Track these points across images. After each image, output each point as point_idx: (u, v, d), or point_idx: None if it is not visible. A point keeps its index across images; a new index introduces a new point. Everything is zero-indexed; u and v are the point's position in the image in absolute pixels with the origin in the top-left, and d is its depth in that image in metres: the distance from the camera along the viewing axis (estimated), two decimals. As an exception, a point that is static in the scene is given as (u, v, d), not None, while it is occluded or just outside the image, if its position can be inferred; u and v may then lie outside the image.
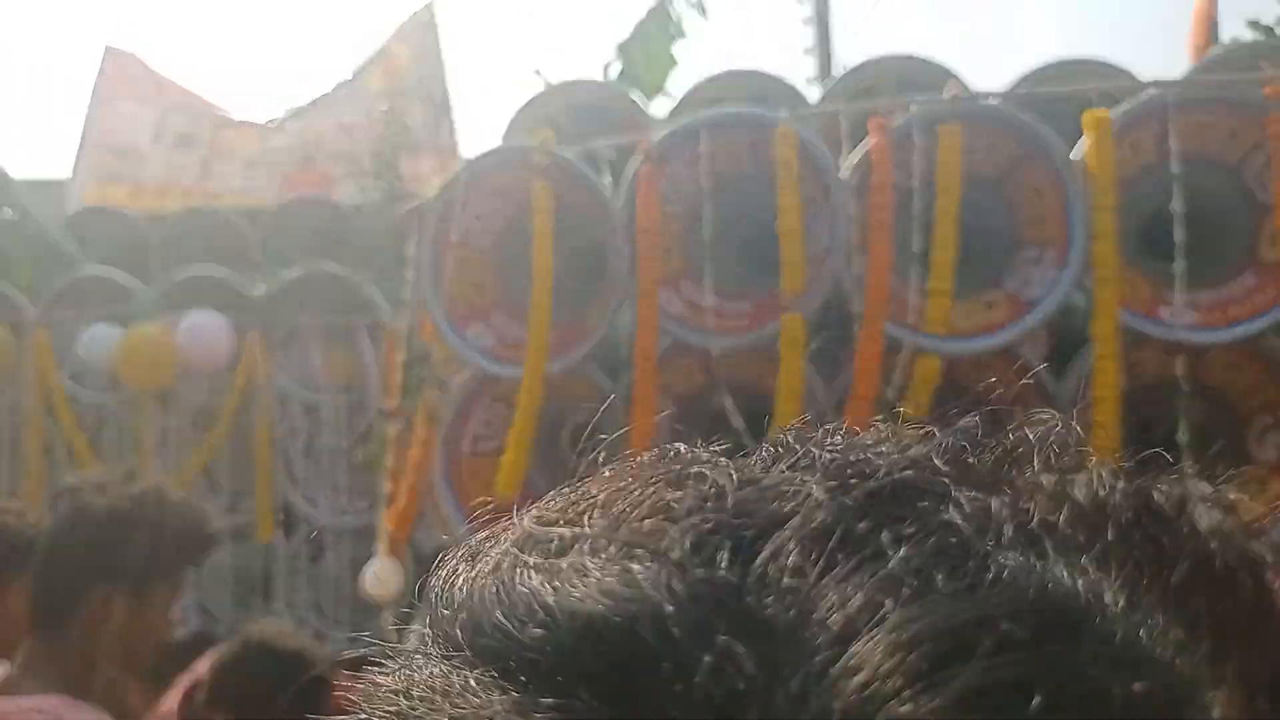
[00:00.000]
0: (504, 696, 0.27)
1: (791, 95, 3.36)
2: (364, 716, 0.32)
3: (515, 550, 0.30)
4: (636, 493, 0.30)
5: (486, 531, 0.34)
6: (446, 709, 0.29)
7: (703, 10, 5.38)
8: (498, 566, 0.30)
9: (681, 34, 5.25)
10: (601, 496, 0.31)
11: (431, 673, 0.30)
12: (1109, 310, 2.53)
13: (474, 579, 0.30)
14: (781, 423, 2.55)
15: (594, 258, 3.00)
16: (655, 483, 0.30)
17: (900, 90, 3.11)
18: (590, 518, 0.30)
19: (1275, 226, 2.53)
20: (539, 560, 0.29)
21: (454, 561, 0.32)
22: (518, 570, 0.29)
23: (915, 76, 3.07)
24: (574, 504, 0.32)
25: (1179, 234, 2.52)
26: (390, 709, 0.31)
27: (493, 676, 0.28)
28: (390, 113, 5.78)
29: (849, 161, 2.71)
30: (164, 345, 4.54)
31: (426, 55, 7.12)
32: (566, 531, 0.30)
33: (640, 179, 2.78)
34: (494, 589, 0.29)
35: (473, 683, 0.28)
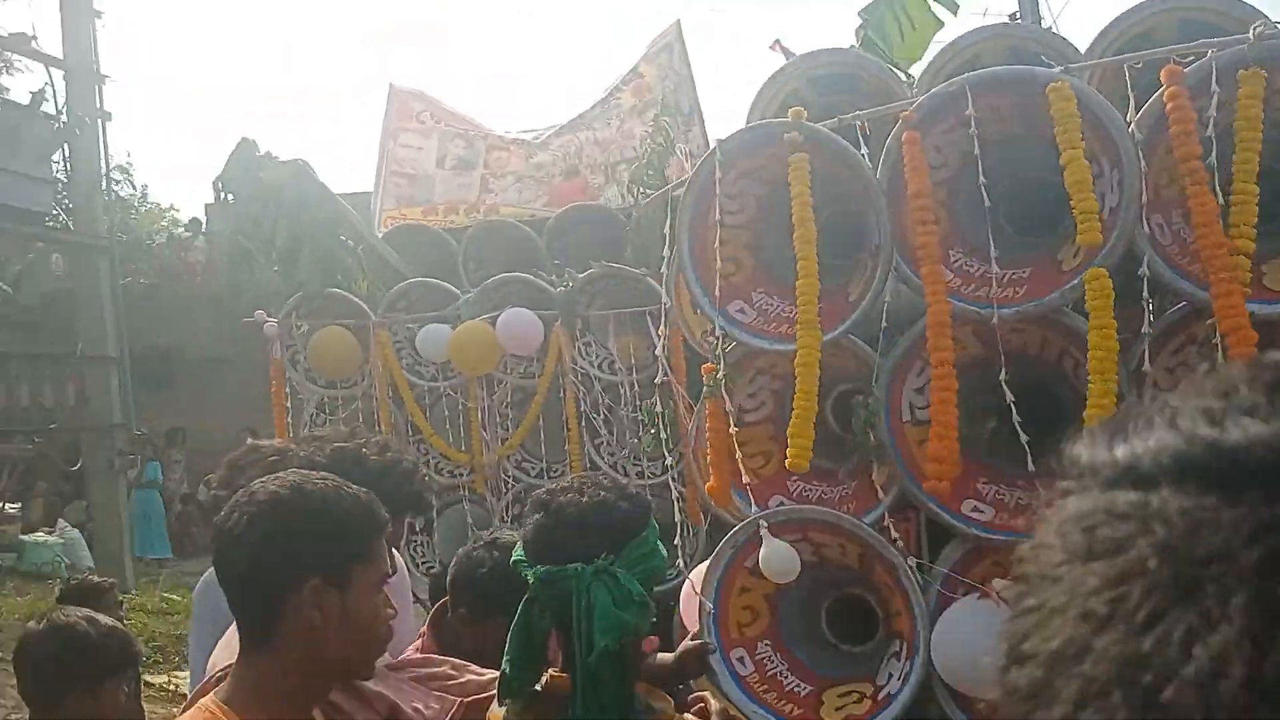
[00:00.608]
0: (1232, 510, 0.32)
1: (1059, 45, 3.15)
2: (1053, 538, 0.37)
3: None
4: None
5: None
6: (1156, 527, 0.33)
7: None
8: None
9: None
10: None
11: (1124, 498, 0.35)
12: None
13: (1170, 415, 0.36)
14: (1101, 388, 2.38)
15: (846, 233, 2.93)
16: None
17: (1177, 32, 2.86)
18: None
19: None
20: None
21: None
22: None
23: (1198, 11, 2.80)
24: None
25: None
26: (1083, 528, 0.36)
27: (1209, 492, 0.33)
28: (656, 123, 6.09)
29: (1134, 117, 2.50)
30: (487, 338, 5.41)
31: (673, 71, 7.34)
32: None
33: (906, 146, 2.69)
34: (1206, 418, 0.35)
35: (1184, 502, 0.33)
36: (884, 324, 2.88)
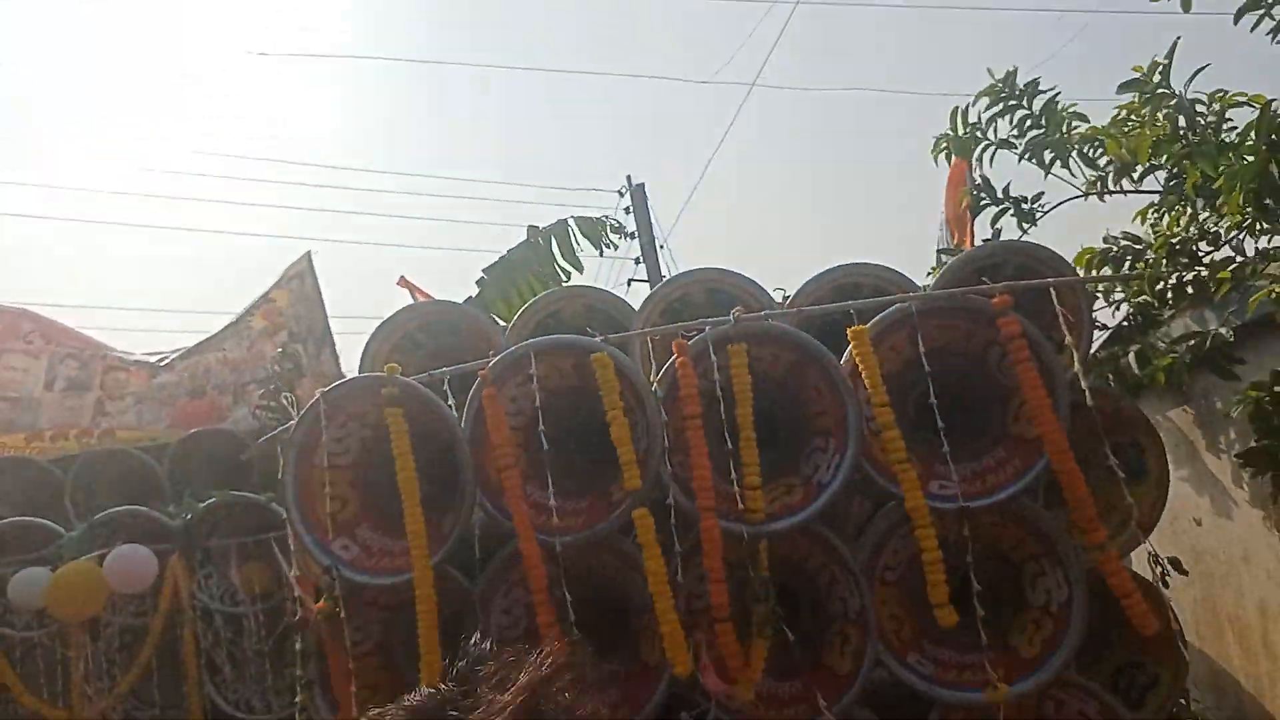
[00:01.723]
0: None
1: (622, 307, 3.82)
2: None
3: None
4: None
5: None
6: None
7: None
8: None
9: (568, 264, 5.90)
10: None
11: None
12: (914, 487, 2.93)
13: None
14: (661, 603, 2.84)
15: (442, 464, 3.30)
16: None
17: (710, 298, 3.61)
18: None
19: (1016, 410, 3.01)
20: None
21: None
22: None
23: (720, 283, 3.58)
24: None
25: (940, 419, 2.99)
26: None
27: None
28: (284, 348, 6.23)
29: (657, 376, 3.14)
30: (93, 579, 5.03)
31: (305, 297, 7.57)
32: None
33: (485, 401, 3.14)
34: None
35: None
36: (478, 554, 3.24)
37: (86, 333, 7.65)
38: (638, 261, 13.86)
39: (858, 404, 2.99)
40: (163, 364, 7.41)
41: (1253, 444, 3.30)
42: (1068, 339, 3.02)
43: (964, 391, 3.11)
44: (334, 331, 7.10)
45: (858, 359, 2.99)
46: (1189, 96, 3.55)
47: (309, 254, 7.40)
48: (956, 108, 4.19)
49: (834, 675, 3.02)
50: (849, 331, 3.03)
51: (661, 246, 13.70)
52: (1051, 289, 3.06)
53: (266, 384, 6.91)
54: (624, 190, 14.59)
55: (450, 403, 3.23)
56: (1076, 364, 3.09)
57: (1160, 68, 3.58)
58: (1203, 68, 3.53)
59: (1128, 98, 3.97)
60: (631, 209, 14.06)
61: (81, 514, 5.88)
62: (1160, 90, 3.56)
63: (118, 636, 5.42)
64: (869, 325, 3.05)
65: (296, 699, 4.76)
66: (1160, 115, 3.58)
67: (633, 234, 12.79)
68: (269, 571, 5.46)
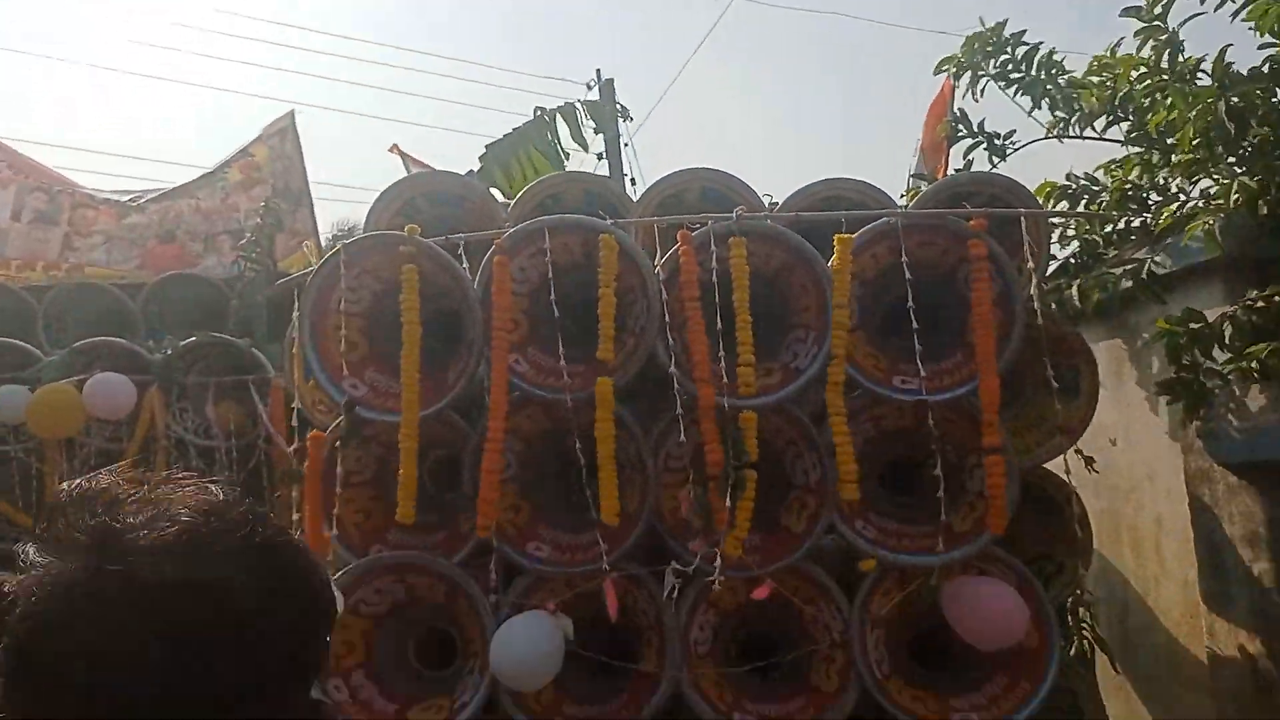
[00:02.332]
0: None
1: (619, 193, 4.09)
2: None
3: None
4: None
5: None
6: None
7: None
8: None
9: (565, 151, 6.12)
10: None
11: None
12: (837, 379, 3.30)
13: None
14: (604, 465, 3.21)
15: (452, 321, 3.58)
16: None
17: (702, 196, 3.90)
18: None
19: (970, 323, 3.38)
20: None
21: None
22: None
23: (715, 183, 3.86)
24: None
25: (911, 322, 3.36)
26: None
27: None
28: (268, 202, 6.35)
29: (661, 260, 3.44)
30: (71, 401, 5.28)
31: (284, 154, 7.64)
32: None
33: (496, 266, 3.41)
34: None
35: None
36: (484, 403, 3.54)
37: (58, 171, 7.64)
38: (600, 157, 13.95)
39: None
40: (133, 204, 7.46)
41: (1171, 375, 3.74)
42: (1028, 264, 3.39)
43: (932, 303, 3.47)
44: (314, 197, 7.23)
45: (836, 263, 3.32)
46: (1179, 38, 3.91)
47: (291, 112, 7.46)
48: (971, 34, 4.52)
49: (789, 534, 3.42)
50: (835, 238, 3.36)
51: (626, 144, 13.78)
52: (1021, 219, 3.42)
53: (240, 235, 7.03)
54: (592, 84, 14.55)
55: (464, 265, 3.49)
56: (1034, 288, 3.47)
57: (1162, 1, 3.90)
58: (1194, 15, 3.84)
59: (1104, 51, 4.32)
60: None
61: (55, 343, 6.02)
62: (1155, 23, 3.90)
63: (93, 458, 5.69)
64: (855, 235, 3.38)
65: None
66: (1149, 47, 3.92)
67: (630, 117, 12.79)
68: (243, 411, 5.73)
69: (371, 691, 3.48)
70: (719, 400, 3.27)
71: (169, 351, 5.78)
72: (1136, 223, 4.53)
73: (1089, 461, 3.90)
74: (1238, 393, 3.72)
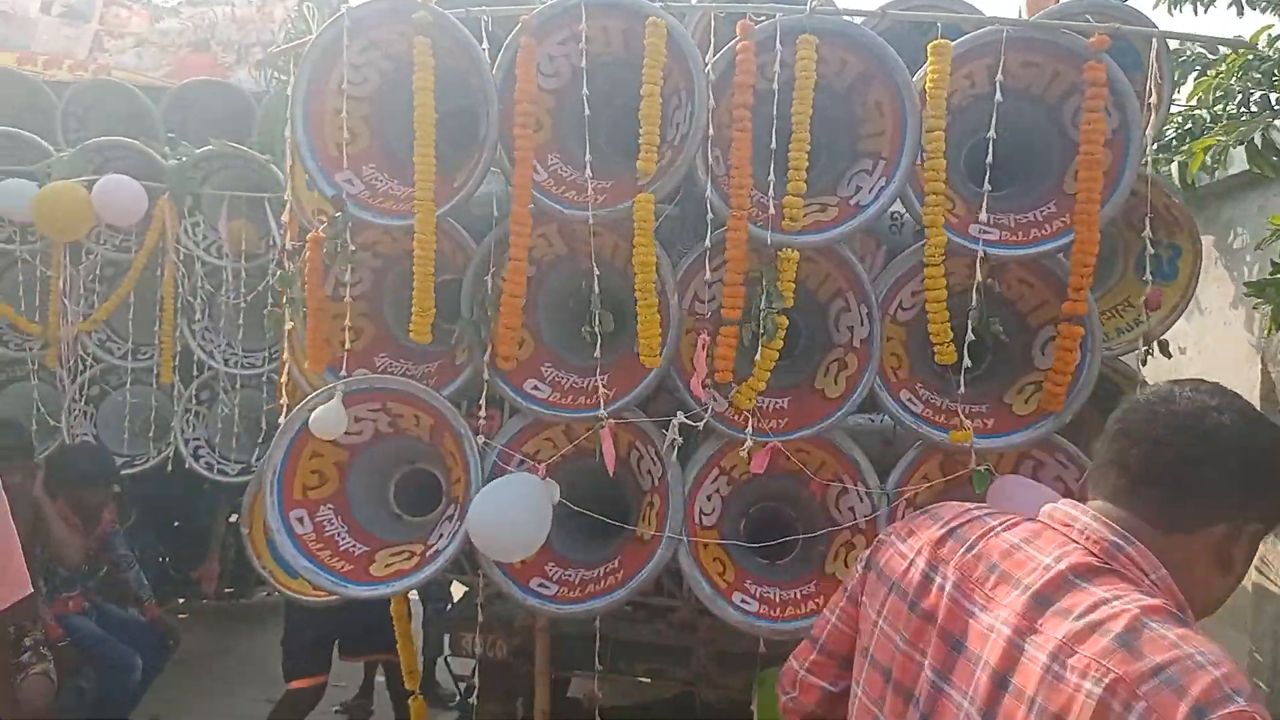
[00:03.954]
0: None
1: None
2: None
3: None
4: None
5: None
6: None
7: None
8: None
9: None
10: None
11: None
12: (936, 222, 2.78)
13: None
14: (644, 295, 2.73)
15: (462, 122, 3.10)
16: None
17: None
18: None
19: (1077, 164, 2.82)
20: None
21: None
22: None
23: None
24: None
25: (990, 158, 2.81)
26: None
27: None
28: (299, 9, 5.87)
29: (714, 58, 2.89)
30: (80, 201, 4.91)
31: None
32: None
33: (521, 51, 2.89)
34: None
35: None
36: (495, 214, 3.09)
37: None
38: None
39: (919, 126, 2.79)
40: (166, 6, 7.02)
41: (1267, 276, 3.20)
42: (1152, 98, 2.80)
43: (1029, 142, 2.91)
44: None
45: (932, 75, 2.76)
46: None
47: (336, -86, 6.89)
48: None
49: (823, 398, 2.96)
50: (930, 46, 2.78)
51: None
52: (1153, 42, 2.81)
53: (273, 45, 6.56)
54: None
55: (485, 47, 2.98)
56: (1149, 133, 2.89)
57: None
58: None
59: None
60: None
61: (73, 141, 5.67)
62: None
63: (99, 266, 5.39)
64: (954, 44, 2.81)
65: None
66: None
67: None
68: (257, 232, 5.35)
69: (338, 527, 3.12)
70: (757, 232, 2.77)
71: (183, 159, 5.37)
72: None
73: (1162, 349, 3.37)
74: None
